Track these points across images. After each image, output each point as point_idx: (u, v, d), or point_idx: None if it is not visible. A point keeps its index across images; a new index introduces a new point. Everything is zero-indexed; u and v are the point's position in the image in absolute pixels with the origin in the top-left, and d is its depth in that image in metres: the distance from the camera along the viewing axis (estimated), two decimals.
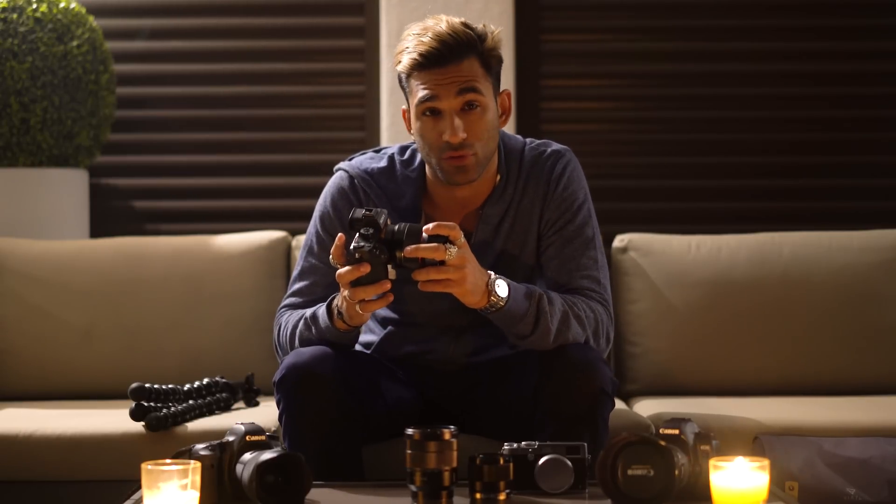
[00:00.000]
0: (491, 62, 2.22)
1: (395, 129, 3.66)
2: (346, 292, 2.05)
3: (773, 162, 3.85)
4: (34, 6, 3.36)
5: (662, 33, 3.87)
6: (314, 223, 2.35)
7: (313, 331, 2.19)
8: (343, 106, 3.86)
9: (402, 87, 2.25)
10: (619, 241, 3.09)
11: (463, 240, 2.04)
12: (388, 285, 2.03)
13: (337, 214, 2.32)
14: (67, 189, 3.47)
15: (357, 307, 2.05)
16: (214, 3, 3.87)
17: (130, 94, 3.81)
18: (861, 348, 2.96)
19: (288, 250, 3.11)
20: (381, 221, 2.02)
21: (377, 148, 2.43)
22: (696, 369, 2.96)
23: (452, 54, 2.16)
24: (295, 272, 2.35)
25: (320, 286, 2.29)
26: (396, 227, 2.03)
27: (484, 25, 2.22)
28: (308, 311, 2.22)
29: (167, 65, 3.87)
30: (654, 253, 3.04)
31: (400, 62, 2.20)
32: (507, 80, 3.64)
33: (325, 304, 2.18)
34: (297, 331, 2.22)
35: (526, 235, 2.31)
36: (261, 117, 3.88)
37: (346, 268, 2.02)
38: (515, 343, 2.21)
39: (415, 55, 2.16)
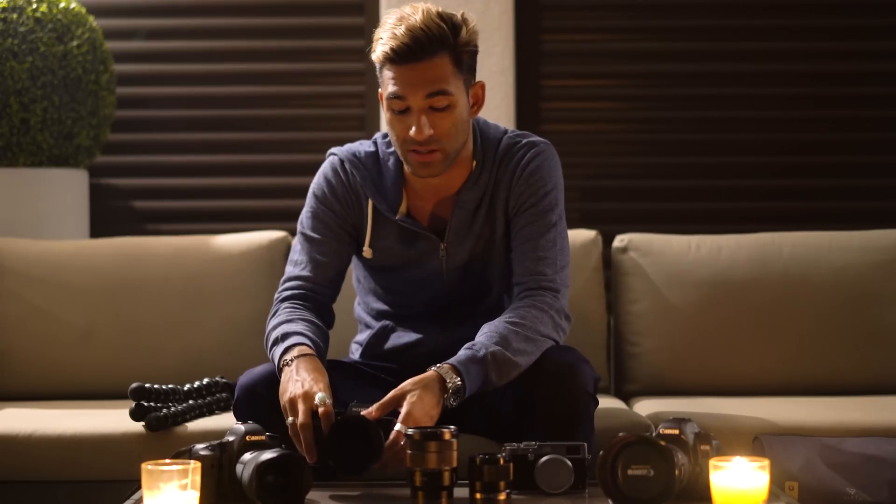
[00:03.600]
0: (463, 57, 2.21)
1: None
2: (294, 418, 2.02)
3: (773, 162, 3.85)
4: (34, 6, 3.36)
5: (662, 33, 3.87)
6: (309, 199, 2.40)
7: (269, 356, 2.22)
8: (343, 106, 3.86)
9: (378, 73, 2.26)
10: (619, 241, 3.09)
11: (403, 410, 2.01)
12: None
13: (330, 189, 2.37)
14: (67, 189, 3.47)
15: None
16: (214, 3, 3.87)
17: (130, 94, 3.81)
18: (861, 348, 2.95)
19: (288, 250, 3.10)
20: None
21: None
22: (696, 369, 2.96)
23: (423, 51, 2.15)
24: (293, 246, 2.40)
25: (316, 253, 2.34)
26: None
27: (461, 16, 2.21)
28: (280, 336, 2.20)
29: (167, 65, 3.87)
30: (654, 253, 3.04)
31: (374, 51, 2.21)
32: (507, 80, 3.65)
33: (286, 352, 2.14)
34: (269, 344, 2.24)
35: (496, 221, 2.34)
36: (261, 117, 3.88)
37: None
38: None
39: (387, 48, 2.16)
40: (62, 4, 3.40)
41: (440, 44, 2.16)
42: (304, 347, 2.14)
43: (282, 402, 2.05)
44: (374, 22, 3.77)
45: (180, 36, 3.87)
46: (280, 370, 2.13)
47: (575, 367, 2.15)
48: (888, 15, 3.84)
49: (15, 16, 3.33)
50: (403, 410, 1.99)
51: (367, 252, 2.35)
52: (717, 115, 3.85)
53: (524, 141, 2.35)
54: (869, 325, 2.97)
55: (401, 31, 2.15)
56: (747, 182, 3.84)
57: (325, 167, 2.41)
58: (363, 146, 2.40)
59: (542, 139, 2.37)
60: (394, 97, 2.19)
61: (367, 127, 3.81)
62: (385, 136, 2.40)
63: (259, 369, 2.22)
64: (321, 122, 3.87)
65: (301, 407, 1.99)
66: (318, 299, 2.33)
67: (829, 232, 3.10)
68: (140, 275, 3.04)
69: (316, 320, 2.28)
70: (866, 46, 3.85)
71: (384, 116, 2.27)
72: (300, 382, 2.04)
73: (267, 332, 2.26)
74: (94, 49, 3.46)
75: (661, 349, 2.97)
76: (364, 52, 3.82)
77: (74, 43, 3.39)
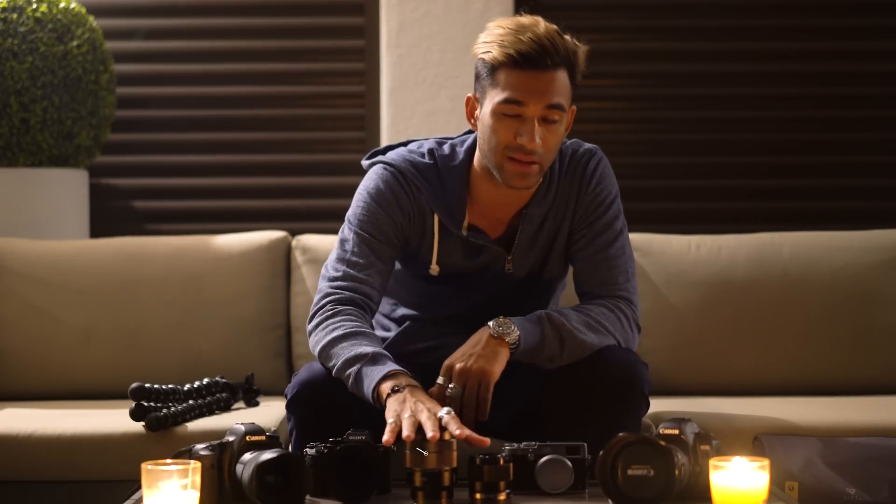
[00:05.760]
0: (576, 78, 2.22)
1: (395, 129, 3.66)
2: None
3: (773, 162, 3.85)
4: (34, 6, 3.36)
5: (662, 33, 3.87)
6: (366, 203, 2.28)
7: (349, 382, 2.11)
8: (343, 106, 3.86)
9: (480, 75, 2.21)
10: None
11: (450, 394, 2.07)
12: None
13: (395, 198, 2.27)
14: (67, 189, 3.47)
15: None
16: (214, 3, 3.87)
17: (130, 94, 3.81)
18: (861, 348, 2.96)
19: (288, 250, 3.11)
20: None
21: (405, 141, 2.40)
22: (696, 369, 2.97)
23: (551, 62, 2.14)
24: (340, 247, 2.27)
25: (375, 257, 2.25)
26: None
27: (574, 39, 2.21)
28: (354, 355, 2.10)
29: (167, 65, 3.87)
30: (654, 253, 3.04)
31: (489, 52, 2.16)
32: None
33: (377, 379, 2.05)
34: (335, 364, 2.13)
35: (559, 231, 2.33)
36: (261, 117, 3.88)
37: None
38: (549, 367, 2.19)
39: (511, 51, 2.13)
40: (62, 4, 3.40)
41: (565, 59, 2.17)
42: (408, 378, 2.04)
43: (407, 410, 1.93)
44: (375, 22, 3.79)
45: (180, 36, 3.87)
46: (381, 395, 2.02)
47: (634, 369, 2.18)
48: (888, 15, 3.84)
49: (15, 16, 3.33)
50: (459, 365, 2.07)
51: (434, 269, 2.30)
52: (716, 115, 3.85)
53: (581, 149, 2.35)
54: (869, 325, 2.97)
55: (527, 37, 2.13)
56: (748, 182, 3.84)
57: (384, 176, 2.30)
58: (415, 156, 2.31)
59: (592, 144, 2.37)
60: (510, 101, 2.15)
61: (367, 127, 3.81)
62: (440, 145, 2.34)
63: (323, 368, 2.16)
64: (321, 122, 3.87)
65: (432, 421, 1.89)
66: (370, 306, 2.25)
67: (829, 232, 3.10)
68: (140, 275, 3.04)
69: (376, 334, 2.23)
70: (866, 46, 3.85)
71: (485, 122, 2.18)
72: (428, 409, 1.93)
73: (330, 332, 2.14)
74: (94, 49, 3.46)
75: (661, 349, 2.97)
76: (364, 51, 3.82)
77: (74, 43, 3.39)
